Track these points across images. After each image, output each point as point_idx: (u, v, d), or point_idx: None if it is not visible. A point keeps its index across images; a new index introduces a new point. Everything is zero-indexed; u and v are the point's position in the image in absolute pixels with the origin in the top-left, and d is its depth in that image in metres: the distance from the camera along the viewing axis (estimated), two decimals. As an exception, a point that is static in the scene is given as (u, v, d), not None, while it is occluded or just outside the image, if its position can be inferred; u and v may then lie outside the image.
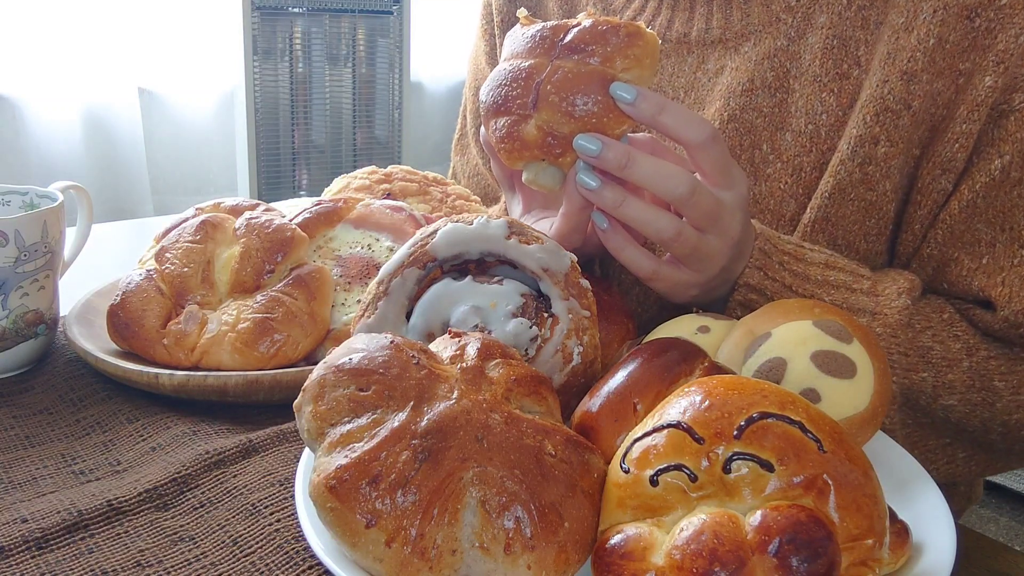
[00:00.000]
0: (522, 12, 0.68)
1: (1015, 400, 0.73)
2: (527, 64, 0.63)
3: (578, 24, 0.63)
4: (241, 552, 0.54)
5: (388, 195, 0.94)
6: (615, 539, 0.43)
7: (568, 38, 0.62)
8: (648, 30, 0.63)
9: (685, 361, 0.52)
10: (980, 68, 0.71)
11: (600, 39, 0.62)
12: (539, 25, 0.64)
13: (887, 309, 0.70)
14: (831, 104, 0.77)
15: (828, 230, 0.77)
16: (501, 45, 1.03)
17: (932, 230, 0.77)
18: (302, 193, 3.05)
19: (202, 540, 0.55)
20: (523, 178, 0.66)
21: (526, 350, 0.59)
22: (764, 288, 0.70)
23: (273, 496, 0.59)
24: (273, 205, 0.87)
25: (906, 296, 0.71)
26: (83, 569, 0.52)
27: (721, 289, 0.70)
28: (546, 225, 0.72)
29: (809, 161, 0.78)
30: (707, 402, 0.44)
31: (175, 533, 0.55)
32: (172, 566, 0.52)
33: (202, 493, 0.60)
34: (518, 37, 0.65)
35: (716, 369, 0.53)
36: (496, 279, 0.61)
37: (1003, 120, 0.72)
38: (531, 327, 0.59)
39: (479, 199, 1.00)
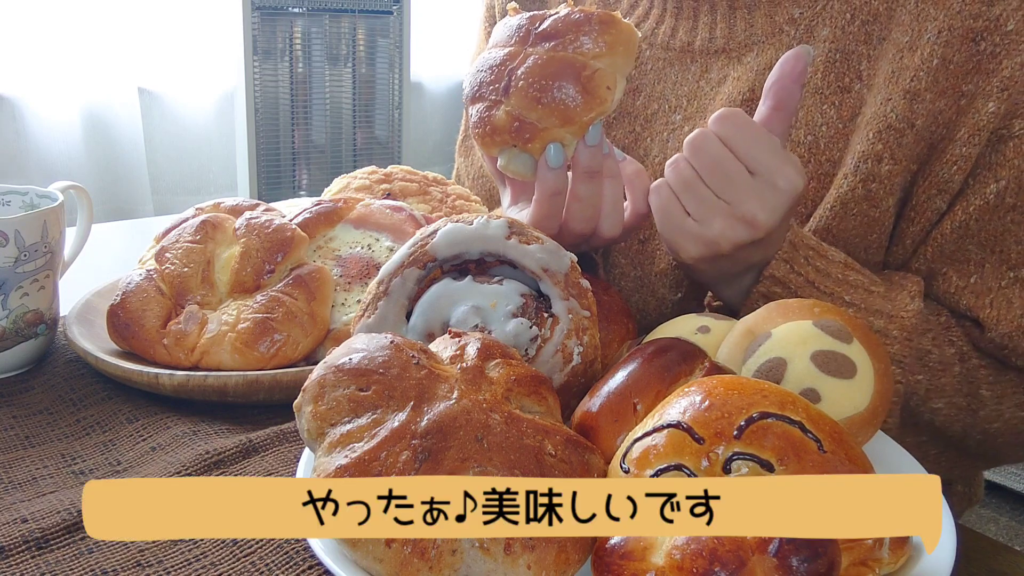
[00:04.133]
0: (512, 4, 0.68)
1: (997, 410, 0.74)
2: (504, 52, 0.64)
3: (555, 13, 0.63)
4: (241, 552, 0.54)
5: (388, 195, 0.94)
6: (615, 539, 0.43)
7: (543, 27, 0.63)
8: (624, 20, 0.63)
9: (685, 361, 0.52)
10: (983, 93, 0.71)
11: (572, 27, 0.62)
12: (521, 15, 0.65)
13: (903, 312, 0.70)
14: (831, 116, 0.77)
15: (830, 242, 0.77)
16: None
17: (923, 247, 0.77)
18: (302, 193, 3.04)
19: (202, 540, 0.55)
20: (498, 164, 0.66)
21: (526, 350, 0.59)
22: (788, 282, 0.69)
23: (273, 496, 0.59)
24: (273, 205, 0.87)
25: (919, 299, 0.71)
26: (83, 569, 0.52)
27: (746, 278, 0.70)
28: (528, 214, 0.72)
29: (807, 172, 0.78)
30: (707, 402, 0.44)
31: (175, 533, 0.55)
32: (172, 566, 0.52)
33: (202, 493, 0.60)
34: (501, 27, 0.66)
35: (716, 369, 0.53)
36: (496, 279, 0.61)
37: (1002, 145, 0.72)
38: (531, 327, 0.59)
39: (479, 199, 1.00)
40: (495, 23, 1.05)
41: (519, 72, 0.62)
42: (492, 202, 1.10)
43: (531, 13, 0.65)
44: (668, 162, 0.67)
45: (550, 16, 0.63)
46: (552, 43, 0.62)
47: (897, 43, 0.74)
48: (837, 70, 0.78)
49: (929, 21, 0.73)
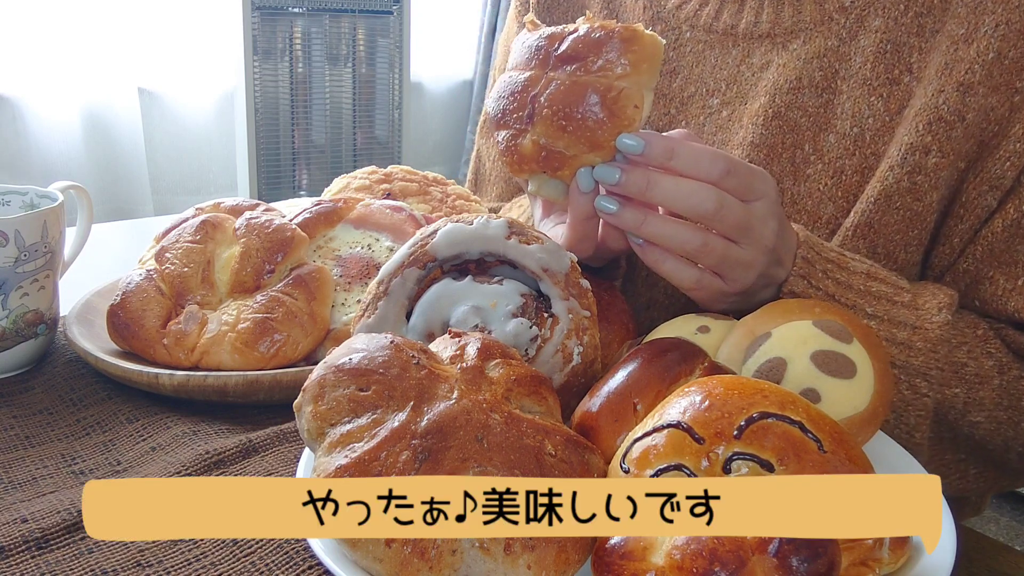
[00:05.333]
0: (529, 17, 0.66)
1: None
2: (524, 77, 0.62)
3: (574, 31, 0.61)
4: (241, 552, 0.54)
5: (388, 195, 0.94)
6: (615, 539, 0.43)
7: (562, 48, 0.61)
8: (647, 32, 0.60)
9: (685, 361, 0.52)
10: None
11: (594, 48, 0.60)
12: (538, 33, 0.63)
13: (928, 324, 0.69)
14: (879, 108, 0.77)
15: (870, 237, 0.76)
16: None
17: (971, 246, 0.76)
18: (302, 193, 3.05)
19: (202, 540, 0.55)
20: (528, 189, 0.65)
21: (526, 350, 0.59)
22: (808, 296, 0.68)
23: (273, 496, 0.59)
24: (273, 205, 0.87)
25: (946, 312, 0.70)
26: (83, 569, 0.52)
27: (763, 294, 0.69)
28: (561, 231, 0.71)
29: (851, 164, 0.77)
30: (707, 402, 0.44)
31: (175, 533, 0.55)
32: (172, 566, 0.52)
33: (202, 493, 0.60)
34: (519, 46, 0.64)
35: (716, 369, 0.53)
36: (496, 279, 0.61)
37: None
38: (531, 327, 0.59)
39: (479, 199, 1.00)
40: (528, 3, 1.02)
41: (542, 99, 0.60)
42: (511, 185, 1.09)
43: (549, 31, 0.62)
44: (698, 245, 0.63)
45: (569, 36, 0.61)
46: (573, 66, 0.60)
47: (952, 35, 0.73)
48: (887, 61, 0.77)
49: (987, 14, 0.72)
